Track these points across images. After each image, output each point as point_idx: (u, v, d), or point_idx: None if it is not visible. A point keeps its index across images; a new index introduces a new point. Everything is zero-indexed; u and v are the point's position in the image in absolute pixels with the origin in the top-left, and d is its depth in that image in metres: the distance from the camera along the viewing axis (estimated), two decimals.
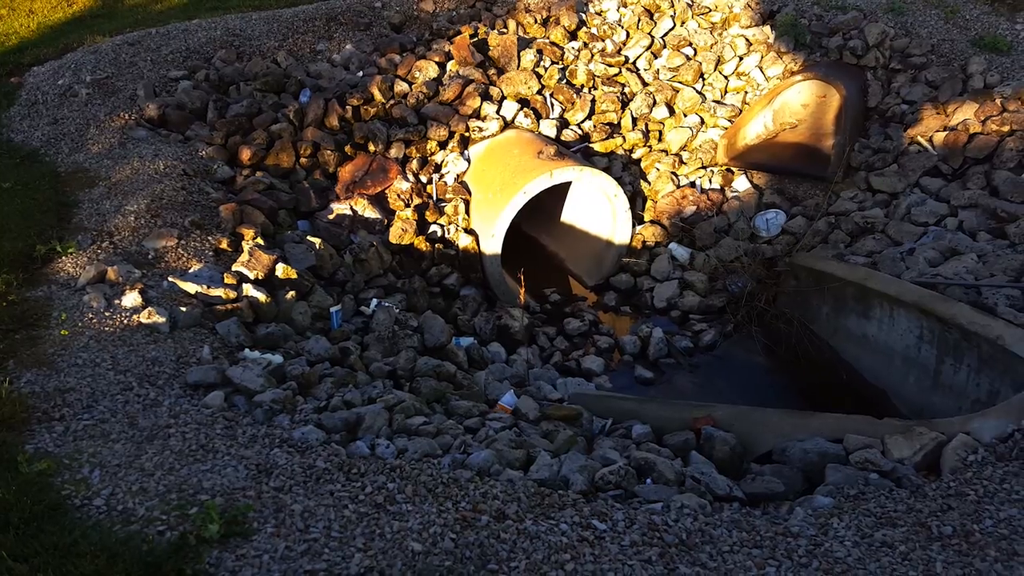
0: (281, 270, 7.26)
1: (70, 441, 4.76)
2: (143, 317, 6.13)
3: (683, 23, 10.98)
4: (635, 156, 10.45)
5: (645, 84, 10.60)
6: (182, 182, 8.09)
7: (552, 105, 10.09)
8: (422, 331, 7.86)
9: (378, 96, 9.55)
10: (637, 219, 9.99)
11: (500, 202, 8.87)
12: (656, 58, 10.81)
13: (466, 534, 4.16)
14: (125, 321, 6.11)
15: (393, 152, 9.37)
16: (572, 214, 10.41)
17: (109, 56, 10.08)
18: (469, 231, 9.22)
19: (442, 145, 9.61)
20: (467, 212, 9.32)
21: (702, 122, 10.46)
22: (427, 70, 9.93)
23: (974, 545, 4.11)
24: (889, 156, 9.05)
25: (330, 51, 10.56)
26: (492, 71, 10.10)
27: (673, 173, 10.30)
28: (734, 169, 10.16)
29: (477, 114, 9.71)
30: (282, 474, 4.57)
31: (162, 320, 6.13)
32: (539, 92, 10.04)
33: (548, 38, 10.72)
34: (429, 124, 9.51)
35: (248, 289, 6.82)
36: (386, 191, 9.16)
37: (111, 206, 7.60)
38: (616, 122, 10.35)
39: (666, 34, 10.90)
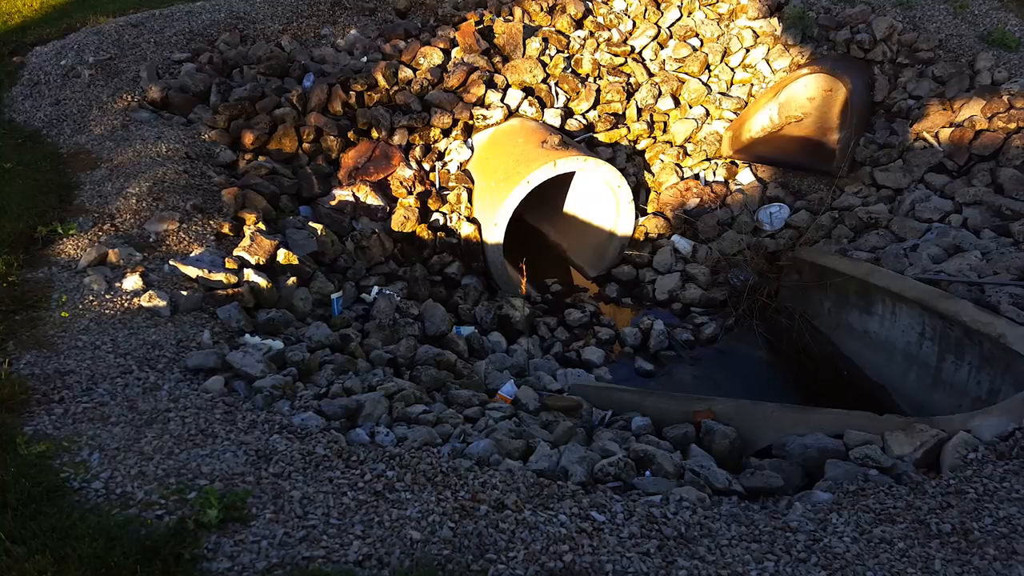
0: (282, 256, 7.23)
1: (69, 424, 4.76)
2: (144, 300, 6.11)
3: (690, 13, 10.91)
4: (639, 147, 10.41)
5: (651, 75, 10.54)
6: (184, 165, 8.06)
7: (557, 94, 10.04)
8: (423, 319, 7.85)
9: (382, 82, 9.50)
10: (640, 211, 9.96)
11: (503, 191, 8.83)
12: (662, 48, 10.74)
13: (465, 523, 4.15)
14: (126, 304, 6.09)
15: (396, 139, 9.33)
16: (575, 204, 10.38)
17: (112, 37, 10.02)
18: (471, 220, 9.19)
19: (446, 133, 9.57)
20: (470, 201, 9.28)
21: (707, 114, 10.41)
22: (432, 56, 9.87)
23: (973, 543, 4.11)
24: (894, 151, 9.01)
25: (334, 36, 10.50)
26: (497, 59, 10.04)
27: (677, 165, 10.26)
28: (738, 162, 10.13)
29: (481, 102, 9.66)
30: (281, 460, 4.56)
31: (163, 304, 6.11)
32: (544, 81, 9.99)
33: (554, 26, 10.66)
34: (433, 111, 9.46)
35: (249, 274, 6.80)
36: (389, 178, 9.12)
37: (113, 188, 7.56)
38: (621, 112, 10.30)
39: (673, 24, 10.83)
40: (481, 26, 10.28)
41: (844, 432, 5.47)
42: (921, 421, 5.40)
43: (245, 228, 7.44)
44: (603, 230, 9.82)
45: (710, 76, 10.58)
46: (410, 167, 9.19)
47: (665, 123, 10.46)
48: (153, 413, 4.92)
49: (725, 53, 10.55)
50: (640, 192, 10.11)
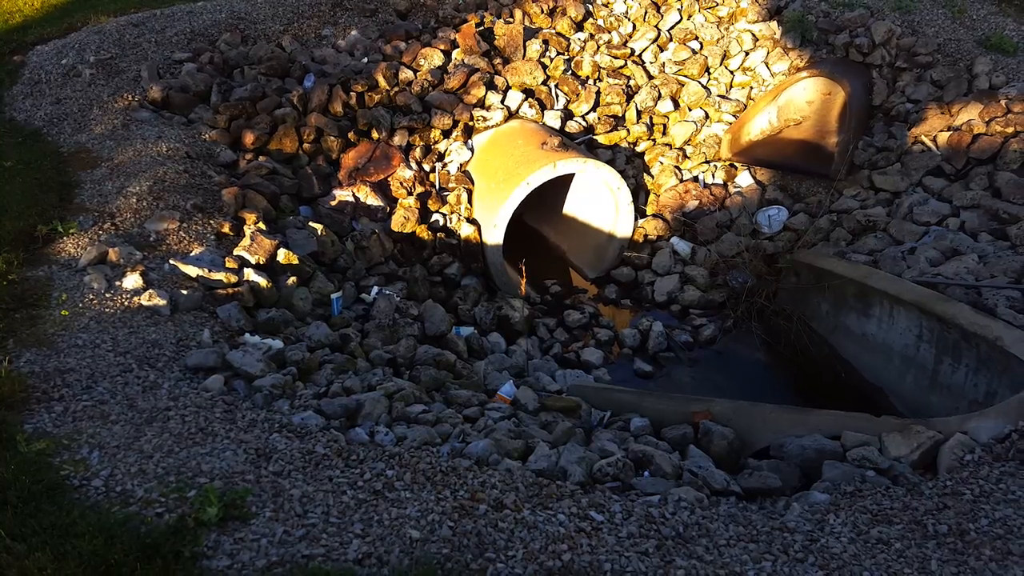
0: (282, 255, 7.25)
1: (69, 422, 4.77)
2: (144, 299, 6.12)
3: (690, 16, 10.94)
4: (639, 149, 10.44)
5: (651, 77, 10.57)
6: (185, 165, 8.07)
7: (557, 96, 10.06)
8: (422, 320, 7.86)
9: (382, 83, 9.52)
10: (639, 212, 9.98)
11: (503, 192, 8.85)
12: (662, 51, 10.77)
13: (464, 522, 4.17)
14: (126, 303, 6.10)
15: (396, 140, 9.35)
16: (574, 206, 10.40)
17: (113, 36, 10.04)
18: (471, 221, 9.20)
19: (446, 134, 9.59)
20: (469, 202, 9.30)
21: (707, 117, 10.44)
22: (432, 58, 9.89)
23: (969, 544, 4.13)
24: (893, 155, 9.04)
25: (335, 36, 10.52)
26: (497, 60, 10.07)
27: (676, 167, 10.28)
28: (737, 164, 10.15)
29: (481, 103, 9.69)
30: (281, 459, 4.58)
31: (163, 303, 6.12)
32: (544, 83, 10.01)
33: (554, 28, 10.68)
34: (433, 112, 9.48)
35: (249, 274, 6.81)
36: (389, 179, 9.14)
37: (113, 187, 7.58)
38: (621, 115, 10.32)
39: (672, 27, 10.87)
40: (481, 28, 10.31)
41: (842, 433, 5.49)
42: (918, 423, 5.43)
43: (245, 228, 7.46)
44: (602, 232, 9.84)
45: (709, 79, 10.61)
46: (410, 168, 9.21)
47: (665, 125, 10.49)
48: (153, 411, 4.93)
49: (724, 56, 10.58)
50: (639, 194, 10.14)
